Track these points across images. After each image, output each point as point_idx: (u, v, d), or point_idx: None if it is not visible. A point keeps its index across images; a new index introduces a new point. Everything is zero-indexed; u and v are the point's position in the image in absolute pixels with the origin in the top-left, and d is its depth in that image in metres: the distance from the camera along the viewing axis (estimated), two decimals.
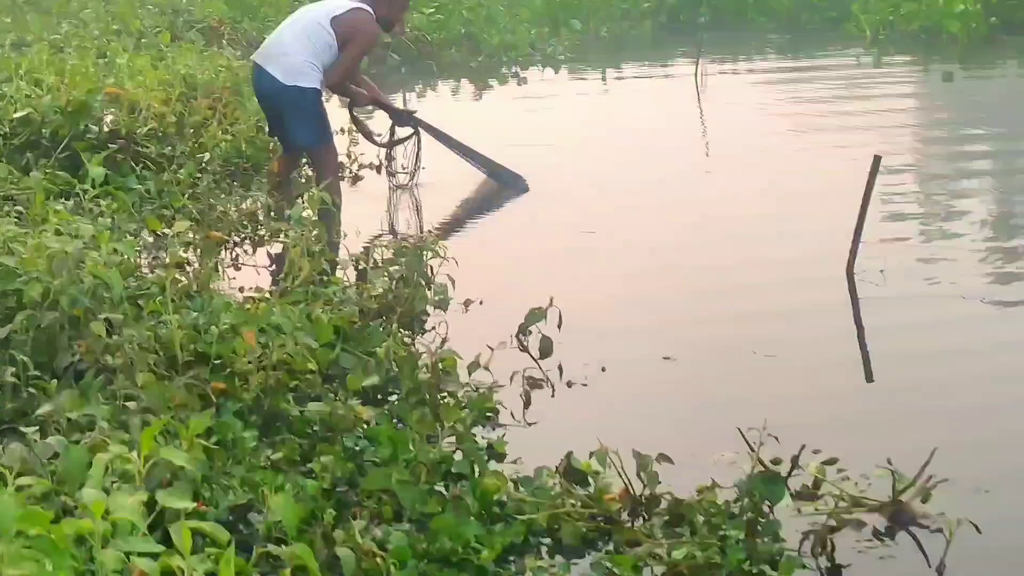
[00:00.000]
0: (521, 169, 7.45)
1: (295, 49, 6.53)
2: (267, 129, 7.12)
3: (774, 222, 6.57)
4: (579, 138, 9.06)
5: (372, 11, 6.65)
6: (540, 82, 12.31)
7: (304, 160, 7.24)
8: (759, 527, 2.97)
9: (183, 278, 4.59)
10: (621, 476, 3.19)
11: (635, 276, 5.68)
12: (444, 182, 7.52)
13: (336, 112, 7.48)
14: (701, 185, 7.65)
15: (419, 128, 7.38)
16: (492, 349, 4.10)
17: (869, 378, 4.48)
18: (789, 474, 3.07)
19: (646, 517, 3.16)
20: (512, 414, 3.96)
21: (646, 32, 15.17)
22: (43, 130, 6.99)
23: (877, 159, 5.40)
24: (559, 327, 4.23)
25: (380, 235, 6.38)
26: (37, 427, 3.05)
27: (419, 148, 7.39)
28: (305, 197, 6.04)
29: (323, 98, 6.70)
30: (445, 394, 3.91)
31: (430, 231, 5.88)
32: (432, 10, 13.44)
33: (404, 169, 7.49)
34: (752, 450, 3.09)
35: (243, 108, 8.16)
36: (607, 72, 12.94)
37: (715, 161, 8.49)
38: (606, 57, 13.75)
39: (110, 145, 6.89)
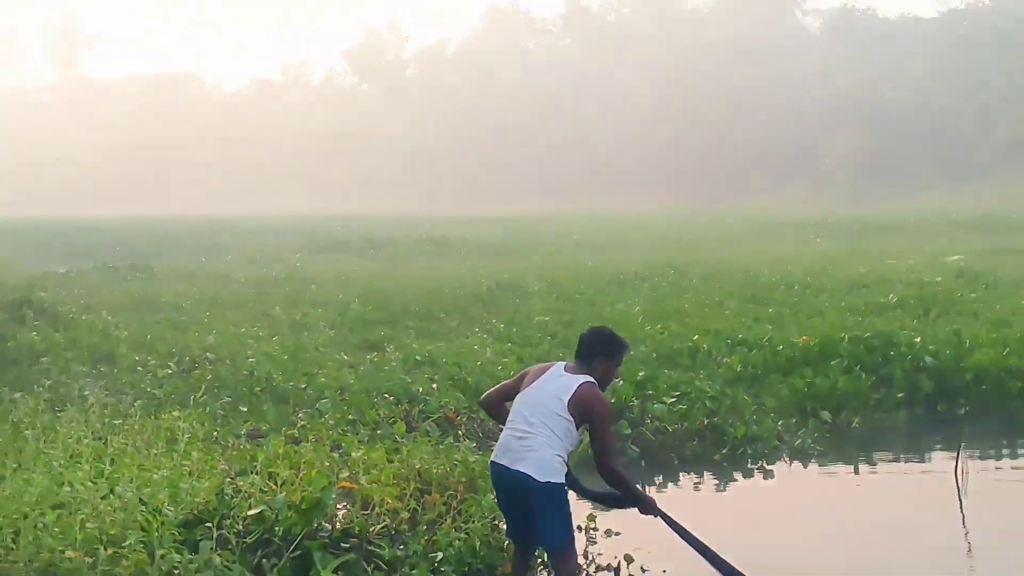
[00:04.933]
0: None
1: (543, 443, 8.21)
2: (507, 529, 8.90)
3: None
4: (827, 539, 11.60)
5: (594, 380, 8.45)
6: (787, 476, 14.72)
7: (541, 563, 9.20)
8: None
9: None
10: None
11: None
12: None
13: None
14: None
15: (660, 517, 8.90)
16: None
17: None
18: None
19: None
20: None
21: (901, 423, 17.30)
22: (276, 527, 8.51)
23: None
24: None
25: None
26: None
27: None
28: None
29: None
30: None
31: None
32: (674, 399, 16.24)
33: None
34: None
35: (477, 504, 9.95)
36: (859, 466, 15.27)
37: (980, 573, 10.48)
38: (858, 450, 15.99)
39: (342, 544, 8.43)
